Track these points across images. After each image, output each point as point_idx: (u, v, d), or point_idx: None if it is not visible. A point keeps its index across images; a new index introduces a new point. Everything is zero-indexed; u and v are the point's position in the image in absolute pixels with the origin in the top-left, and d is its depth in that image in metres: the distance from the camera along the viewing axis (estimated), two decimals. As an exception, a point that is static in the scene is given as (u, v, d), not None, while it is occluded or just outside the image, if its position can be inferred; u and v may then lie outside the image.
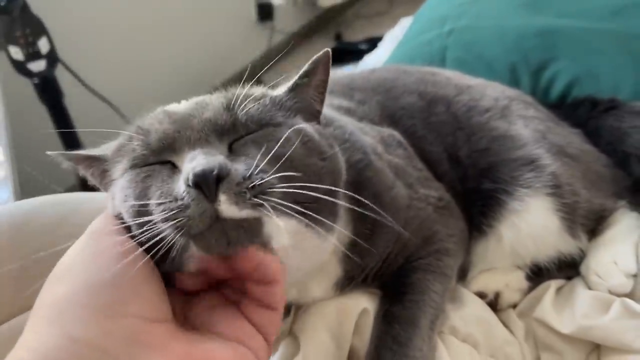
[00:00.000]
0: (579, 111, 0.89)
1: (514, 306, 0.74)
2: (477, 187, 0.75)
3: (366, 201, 0.55)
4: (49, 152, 0.53)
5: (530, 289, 0.74)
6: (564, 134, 0.82)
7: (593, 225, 0.75)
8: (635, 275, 0.69)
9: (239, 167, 0.43)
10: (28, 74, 1.56)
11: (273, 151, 0.45)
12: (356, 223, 0.60)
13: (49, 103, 1.65)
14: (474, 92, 0.83)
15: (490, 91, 0.85)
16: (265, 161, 0.44)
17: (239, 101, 0.50)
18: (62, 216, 0.65)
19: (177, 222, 0.42)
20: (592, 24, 0.98)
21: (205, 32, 2.54)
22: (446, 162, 0.77)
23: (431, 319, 0.63)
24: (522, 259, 0.74)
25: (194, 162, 0.43)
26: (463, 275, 0.76)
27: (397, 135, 0.75)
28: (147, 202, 0.45)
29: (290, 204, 0.44)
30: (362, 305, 0.63)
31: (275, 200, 0.43)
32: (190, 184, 0.42)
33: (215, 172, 0.41)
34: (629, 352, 0.63)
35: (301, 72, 0.55)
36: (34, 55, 1.51)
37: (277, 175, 0.44)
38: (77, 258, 0.43)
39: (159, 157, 0.48)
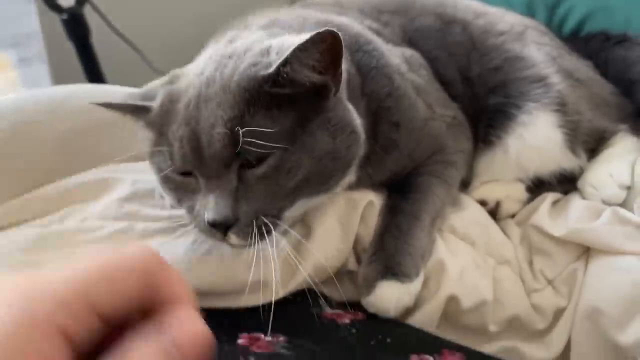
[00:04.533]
0: (591, 44, 0.92)
1: (512, 216, 0.78)
2: (485, 105, 0.79)
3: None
4: (91, 102, 0.60)
5: (530, 200, 0.78)
6: (573, 61, 0.85)
7: (594, 144, 0.78)
8: (628, 188, 0.73)
9: (248, 210, 0.54)
10: (57, 9, 1.61)
11: (280, 183, 0.54)
12: (372, 143, 0.65)
13: (76, 40, 1.70)
14: (492, 17, 0.86)
15: (508, 17, 0.88)
16: (272, 195, 0.55)
17: (241, 132, 0.51)
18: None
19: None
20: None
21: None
22: (459, 84, 0.80)
23: (432, 216, 0.68)
24: (526, 171, 0.77)
25: (208, 204, 0.54)
26: (465, 186, 0.80)
27: (418, 55, 0.78)
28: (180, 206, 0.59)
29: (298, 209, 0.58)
30: (369, 197, 0.68)
31: (282, 223, 0.56)
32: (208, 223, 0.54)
33: (224, 223, 0.53)
34: (616, 253, 0.66)
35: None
36: (64, -10, 1.56)
37: (283, 202, 0.56)
38: None
39: (183, 172, 0.57)
